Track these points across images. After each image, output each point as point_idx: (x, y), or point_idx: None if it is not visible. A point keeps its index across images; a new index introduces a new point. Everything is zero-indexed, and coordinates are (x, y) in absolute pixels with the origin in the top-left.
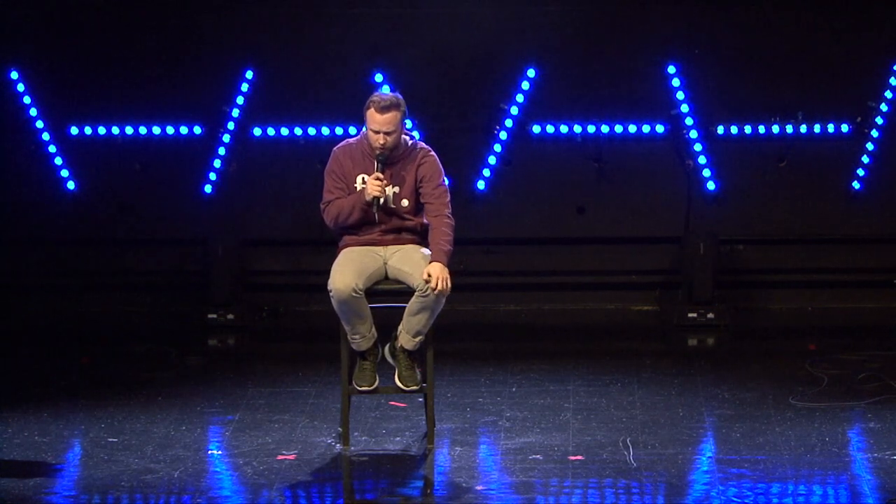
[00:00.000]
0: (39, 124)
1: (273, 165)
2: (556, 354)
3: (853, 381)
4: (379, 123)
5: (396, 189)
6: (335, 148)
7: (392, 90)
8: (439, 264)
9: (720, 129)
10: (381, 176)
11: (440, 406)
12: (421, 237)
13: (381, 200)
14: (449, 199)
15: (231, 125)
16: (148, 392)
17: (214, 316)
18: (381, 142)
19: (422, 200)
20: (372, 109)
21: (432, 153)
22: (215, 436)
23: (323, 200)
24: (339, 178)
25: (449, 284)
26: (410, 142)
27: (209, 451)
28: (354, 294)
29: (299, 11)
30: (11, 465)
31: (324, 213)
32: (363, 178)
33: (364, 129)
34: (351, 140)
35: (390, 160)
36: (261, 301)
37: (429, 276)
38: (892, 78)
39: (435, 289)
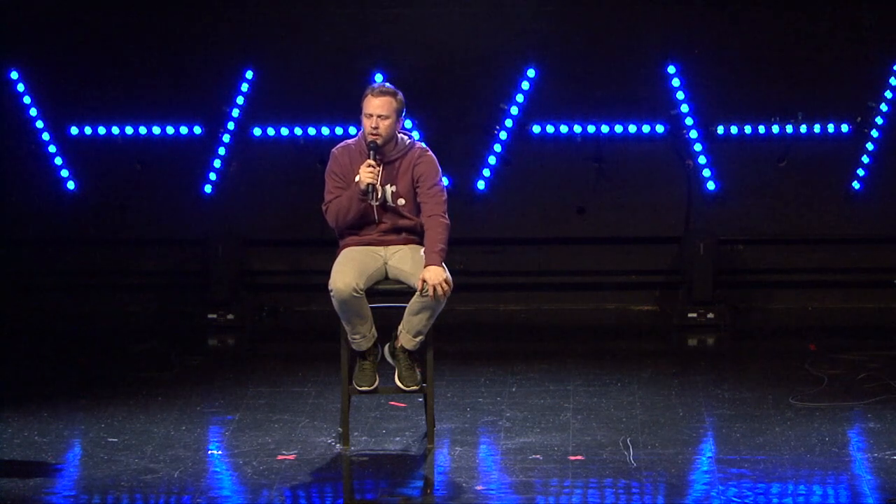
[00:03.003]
0: (39, 124)
1: (273, 165)
2: (556, 354)
3: (853, 381)
4: (373, 107)
5: (394, 188)
6: (333, 149)
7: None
8: (434, 267)
9: (720, 129)
10: (372, 163)
11: (440, 406)
12: (421, 237)
13: (378, 193)
14: (445, 199)
15: (231, 125)
16: (148, 392)
17: (214, 316)
18: (374, 125)
19: (418, 200)
20: (368, 95)
21: (430, 153)
22: (215, 436)
23: (324, 202)
24: (339, 177)
25: (449, 285)
26: (408, 141)
27: (209, 451)
28: (355, 294)
29: (299, 11)
30: (11, 465)
31: (326, 214)
32: None
33: (361, 130)
34: (349, 141)
35: (387, 158)
36: (261, 301)
37: (424, 282)
38: (892, 78)
39: (431, 296)
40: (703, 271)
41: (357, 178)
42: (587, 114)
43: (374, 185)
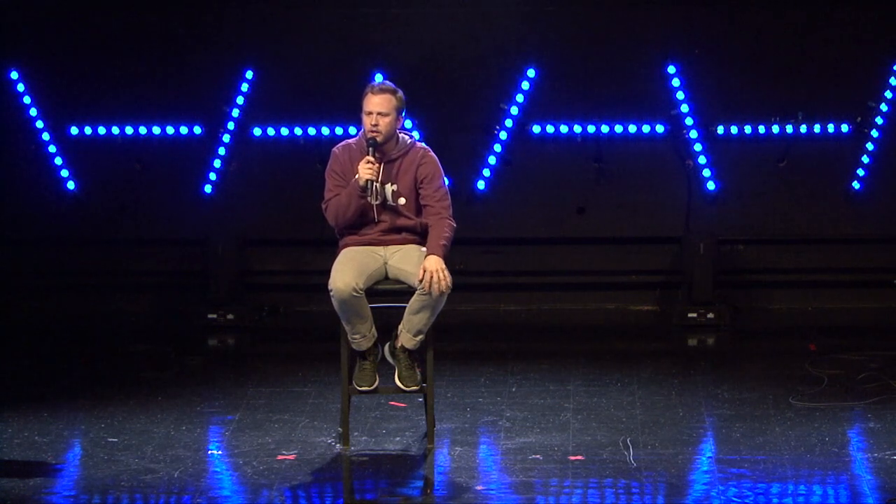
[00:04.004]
0: (39, 124)
1: (273, 165)
2: (556, 354)
3: (853, 381)
4: (373, 104)
5: (394, 187)
6: (334, 148)
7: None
8: (435, 257)
9: (720, 129)
10: (371, 159)
11: (440, 406)
12: (421, 237)
13: (378, 190)
14: (450, 202)
15: (231, 125)
16: (148, 392)
17: (214, 316)
18: (374, 122)
19: (421, 202)
20: (368, 93)
21: (432, 153)
22: (215, 436)
23: (324, 200)
24: (339, 176)
25: (448, 279)
26: (409, 140)
27: (209, 451)
28: (355, 294)
29: (299, 11)
30: (11, 465)
31: (325, 212)
32: None
33: (363, 128)
34: (350, 140)
35: (387, 156)
36: (261, 301)
37: (423, 271)
38: (892, 78)
39: (429, 288)
40: (703, 271)
41: (357, 176)
42: (587, 114)
43: (372, 182)
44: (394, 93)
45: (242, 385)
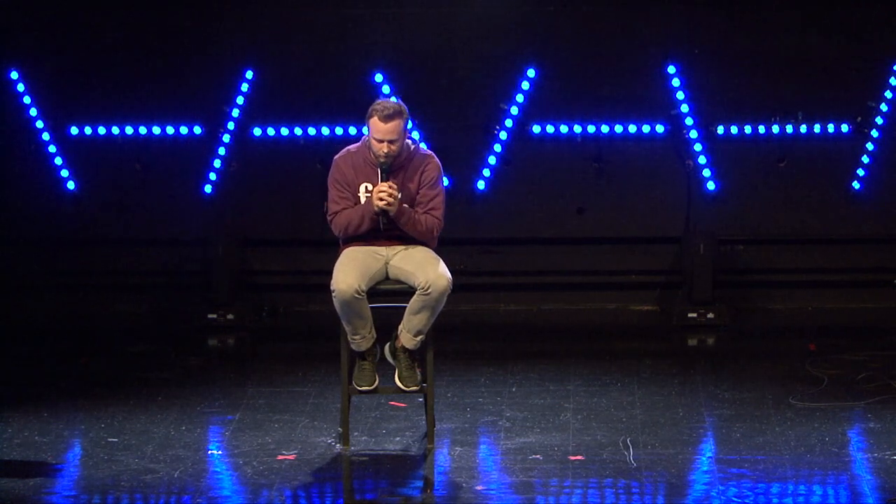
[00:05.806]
0: (39, 124)
1: (273, 165)
2: (556, 354)
3: (853, 381)
4: (383, 132)
5: (399, 195)
6: (336, 157)
7: (392, 91)
8: (398, 203)
9: (720, 129)
10: (394, 185)
11: (440, 406)
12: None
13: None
14: (443, 211)
15: (231, 125)
16: (148, 392)
17: (214, 316)
18: (386, 150)
19: (417, 199)
20: (375, 118)
21: (435, 158)
22: (215, 436)
23: (329, 212)
24: (343, 187)
25: (388, 199)
26: (413, 146)
27: (209, 451)
28: (357, 295)
29: (299, 11)
30: (11, 465)
31: (331, 224)
32: (366, 188)
33: (365, 136)
34: (351, 147)
35: (393, 167)
36: (261, 301)
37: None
38: (892, 78)
39: (376, 197)
40: (703, 271)
41: (365, 196)
42: (587, 114)
43: (390, 210)
44: (401, 115)
45: (242, 385)
